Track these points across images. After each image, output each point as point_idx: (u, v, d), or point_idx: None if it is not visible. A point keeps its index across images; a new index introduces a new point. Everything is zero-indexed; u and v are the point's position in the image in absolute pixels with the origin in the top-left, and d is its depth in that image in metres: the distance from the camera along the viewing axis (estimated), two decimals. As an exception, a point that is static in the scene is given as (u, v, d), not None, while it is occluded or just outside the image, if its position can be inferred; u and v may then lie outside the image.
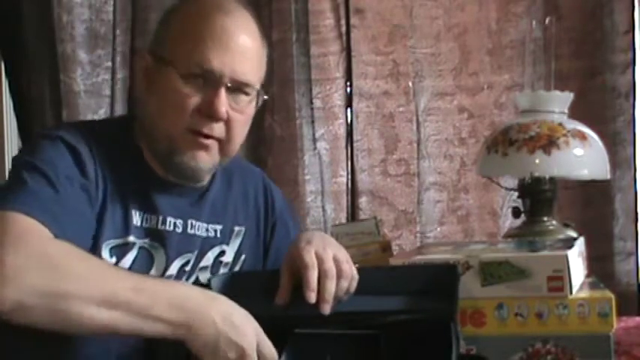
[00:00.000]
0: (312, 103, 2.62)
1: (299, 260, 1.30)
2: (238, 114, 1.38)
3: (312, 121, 2.62)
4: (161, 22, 1.43)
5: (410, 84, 2.64)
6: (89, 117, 2.48)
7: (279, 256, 1.53)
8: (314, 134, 2.62)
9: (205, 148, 1.37)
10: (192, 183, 1.42)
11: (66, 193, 1.27)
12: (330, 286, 1.28)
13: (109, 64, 2.54)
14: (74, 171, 1.31)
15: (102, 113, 2.50)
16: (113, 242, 1.34)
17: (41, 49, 2.52)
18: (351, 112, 2.64)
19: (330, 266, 1.29)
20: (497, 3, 2.64)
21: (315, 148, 2.62)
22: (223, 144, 1.39)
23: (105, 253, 1.33)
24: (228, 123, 1.37)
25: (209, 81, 1.34)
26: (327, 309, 1.27)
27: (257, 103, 1.41)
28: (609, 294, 1.46)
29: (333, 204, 2.60)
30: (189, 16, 1.38)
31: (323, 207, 2.58)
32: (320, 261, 1.29)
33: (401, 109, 2.65)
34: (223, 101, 1.34)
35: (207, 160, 1.39)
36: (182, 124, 1.35)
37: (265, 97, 1.43)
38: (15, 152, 2.60)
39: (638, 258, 2.56)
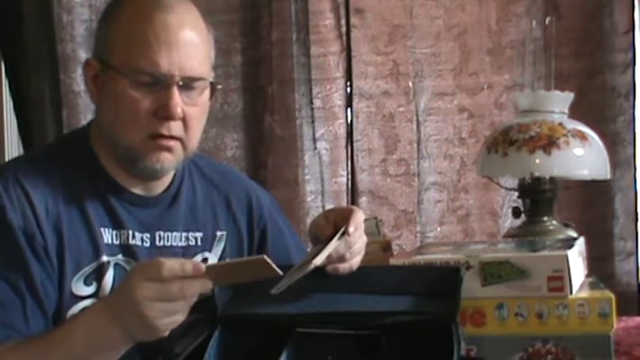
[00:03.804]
0: (312, 103, 2.62)
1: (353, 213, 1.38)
2: (193, 107, 1.37)
3: (312, 121, 2.62)
4: (100, 24, 1.41)
5: (410, 84, 2.64)
6: (89, 117, 2.47)
7: (278, 258, 1.52)
8: (314, 134, 2.62)
9: (168, 149, 1.36)
10: (154, 190, 1.43)
11: (5, 288, 1.28)
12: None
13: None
14: (17, 244, 1.30)
15: (102, 113, 2.50)
16: (86, 270, 1.34)
17: (41, 49, 2.52)
18: (351, 112, 2.64)
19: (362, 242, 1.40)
20: (497, 3, 2.64)
21: (315, 148, 2.62)
22: (184, 141, 1.38)
23: (78, 287, 1.34)
24: (184, 120, 1.36)
25: (160, 83, 1.33)
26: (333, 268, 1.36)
27: (211, 93, 1.40)
28: (609, 294, 1.46)
29: (333, 204, 2.60)
30: (128, 17, 1.35)
31: (323, 207, 2.58)
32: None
33: (401, 109, 2.65)
34: (177, 101, 1.33)
35: (171, 160, 1.38)
36: (140, 131, 1.34)
37: (219, 86, 1.43)
38: (15, 152, 2.62)
39: (638, 258, 2.56)
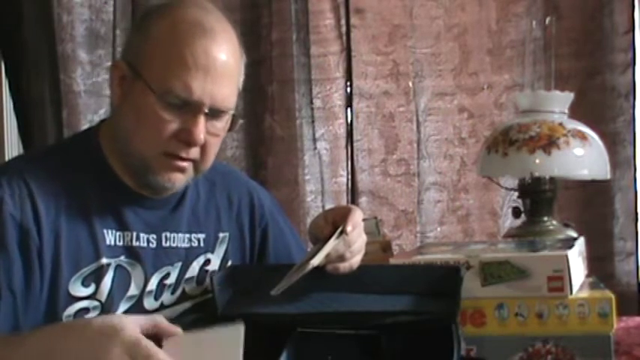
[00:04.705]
0: (312, 103, 2.62)
1: (351, 212, 1.37)
2: (214, 137, 1.37)
3: (312, 121, 2.63)
4: (137, 28, 1.39)
5: (410, 84, 2.64)
6: (89, 117, 2.48)
7: (279, 257, 1.53)
8: (314, 134, 2.62)
9: (181, 170, 1.37)
10: (162, 195, 1.42)
11: None
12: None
13: (109, 64, 2.54)
14: (5, 237, 1.29)
15: (102, 113, 2.51)
16: (85, 271, 1.34)
17: (41, 49, 2.52)
18: (351, 112, 2.64)
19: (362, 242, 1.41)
20: (497, 3, 2.64)
21: (315, 148, 2.62)
22: (198, 164, 1.38)
23: (75, 288, 1.33)
24: (203, 146, 1.36)
25: (188, 108, 1.32)
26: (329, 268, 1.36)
27: (232, 125, 1.40)
28: (609, 294, 1.46)
29: (333, 204, 2.60)
30: (168, 34, 1.33)
31: (323, 207, 2.58)
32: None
33: (401, 109, 2.65)
34: (202, 129, 1.33)
35: (182, 179, 1.38)
36: (158, 148, 1.34)
37: (241, 121, 1.42)
38: (15, 152, 2.62)
39: (638, 258, 2.56)
